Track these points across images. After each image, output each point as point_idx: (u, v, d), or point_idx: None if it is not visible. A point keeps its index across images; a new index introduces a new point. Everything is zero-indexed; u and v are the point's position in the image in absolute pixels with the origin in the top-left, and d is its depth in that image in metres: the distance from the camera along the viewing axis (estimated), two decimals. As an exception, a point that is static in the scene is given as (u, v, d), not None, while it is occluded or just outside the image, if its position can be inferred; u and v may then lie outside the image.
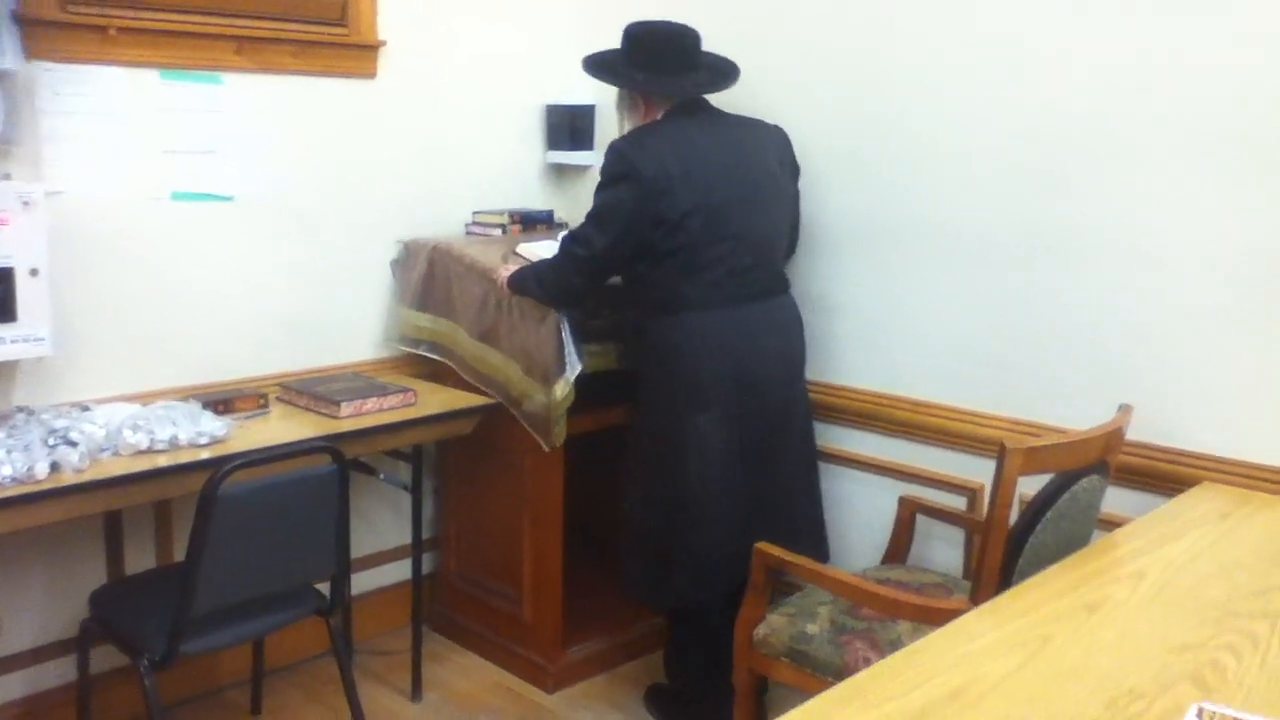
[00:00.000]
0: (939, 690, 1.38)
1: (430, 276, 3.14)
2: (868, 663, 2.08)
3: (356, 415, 2.69)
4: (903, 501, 2.80)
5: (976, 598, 1.95)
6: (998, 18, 2.63)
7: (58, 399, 2.59)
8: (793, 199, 2.89)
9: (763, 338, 2.69)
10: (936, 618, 1.99)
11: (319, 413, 2.72)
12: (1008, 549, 1.99)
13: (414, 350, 3.21)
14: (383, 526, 3.32)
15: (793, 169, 2.89)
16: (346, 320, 3.17)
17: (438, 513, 3.38)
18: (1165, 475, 2.42)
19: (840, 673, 2.16)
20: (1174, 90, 2.36)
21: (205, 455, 2.36)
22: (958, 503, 2.80)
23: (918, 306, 2.86)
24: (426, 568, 3.21)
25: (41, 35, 2.50)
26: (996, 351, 2.71)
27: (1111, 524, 2.21)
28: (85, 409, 2.50)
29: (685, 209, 2.57)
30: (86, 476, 2.21)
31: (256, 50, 2.87)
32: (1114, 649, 1.52)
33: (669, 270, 2.62)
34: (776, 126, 2.86)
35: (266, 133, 2.93)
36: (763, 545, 2.37)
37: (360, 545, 3.20)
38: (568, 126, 3.53)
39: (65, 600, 2.69)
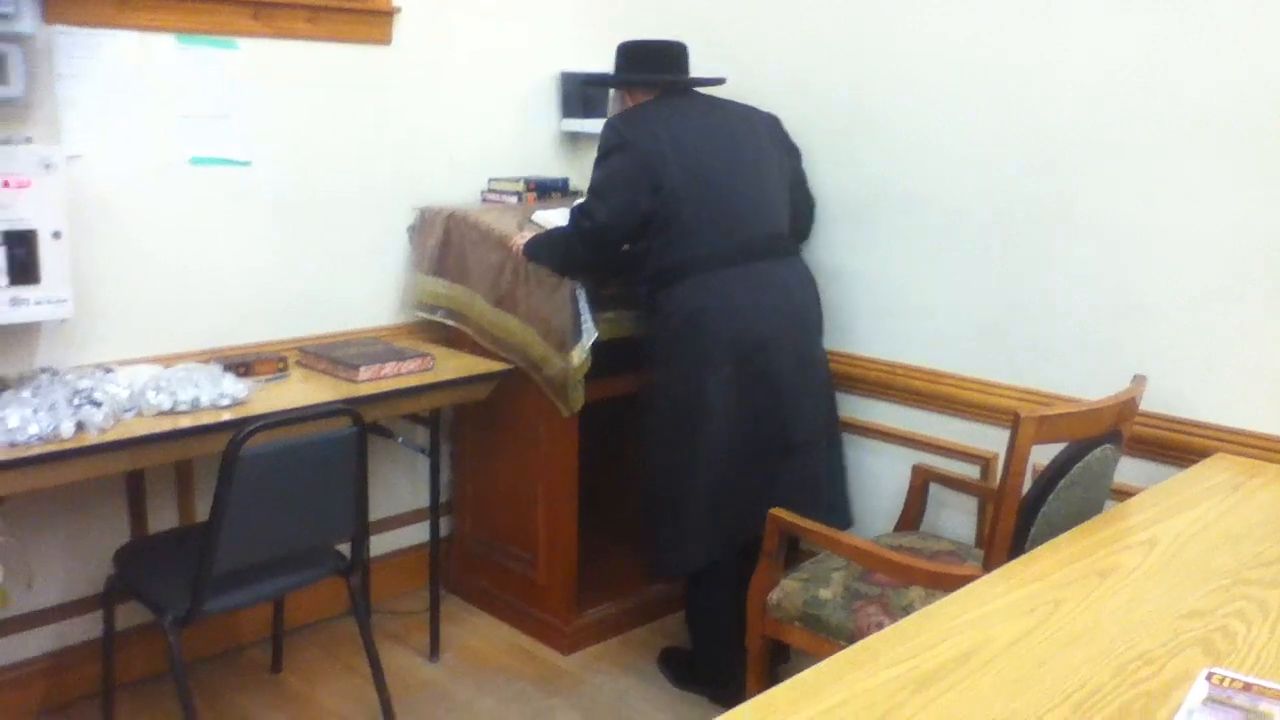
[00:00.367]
0: (950, 653, 1.40)
1: (446, 244, 3.16)
2: (880, 627, 2.11)
3: (375, 379, 2.72)
4: (916, 470, 2.81)
5: (989, 564, 1.97)
6: (1018, -15, 2.62)
7: (80, 360, 2.63)
8: (796, 177, 2.93)
9: (768, 296, 2.72)
10: (949, 584, 2.01)
11: (338, 376, 2.74)
12: (1020, 517, 2.01)
13: (430, 316, 3.23)
14: (399, 490, 3.36)
15: (789, 149, 2.94)
16: (363, 286, 3.20)
17: (453, 477, 3.42)
18: (1177, 446, 2.43)
19: (852, 637, 2.19)
20: (1184, 65, 2.34)
21: (227, 417, 2.39)
22: (970, 471, 2.81)
23: (932, 276, 2.86)
24: (443, 531, 3.24)
25: (59, -1, 2.51)
26: (1010, 322, 2.72)
27: (1124, 494, 2.23)
28: (108, 370, 2.53)
29: (679, 175, 2.64)
30: (111, 436, 2.25)
31: (271, 16, 2.87)
32: (1124, 615, 1.54)
33: (670, 239, 2.68)
34: (768, 113, 2.92)
35: (282, 98, 2.94)
36: (777, 511, 2.39)
37: (377, 508, 3.24)
38: (582, 94, 3.53)
39: (89, 558, 2.74)
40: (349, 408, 2.41)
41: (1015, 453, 1.97)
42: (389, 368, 2.76)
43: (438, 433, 2.97)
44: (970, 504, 2.83)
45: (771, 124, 2.91)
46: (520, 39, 3.44)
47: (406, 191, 3.24)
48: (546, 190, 3.41)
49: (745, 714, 1.24)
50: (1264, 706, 1.25)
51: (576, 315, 2.79)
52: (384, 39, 3.11)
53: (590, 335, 2.79)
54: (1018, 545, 2.00)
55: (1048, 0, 2.55)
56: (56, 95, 2.54)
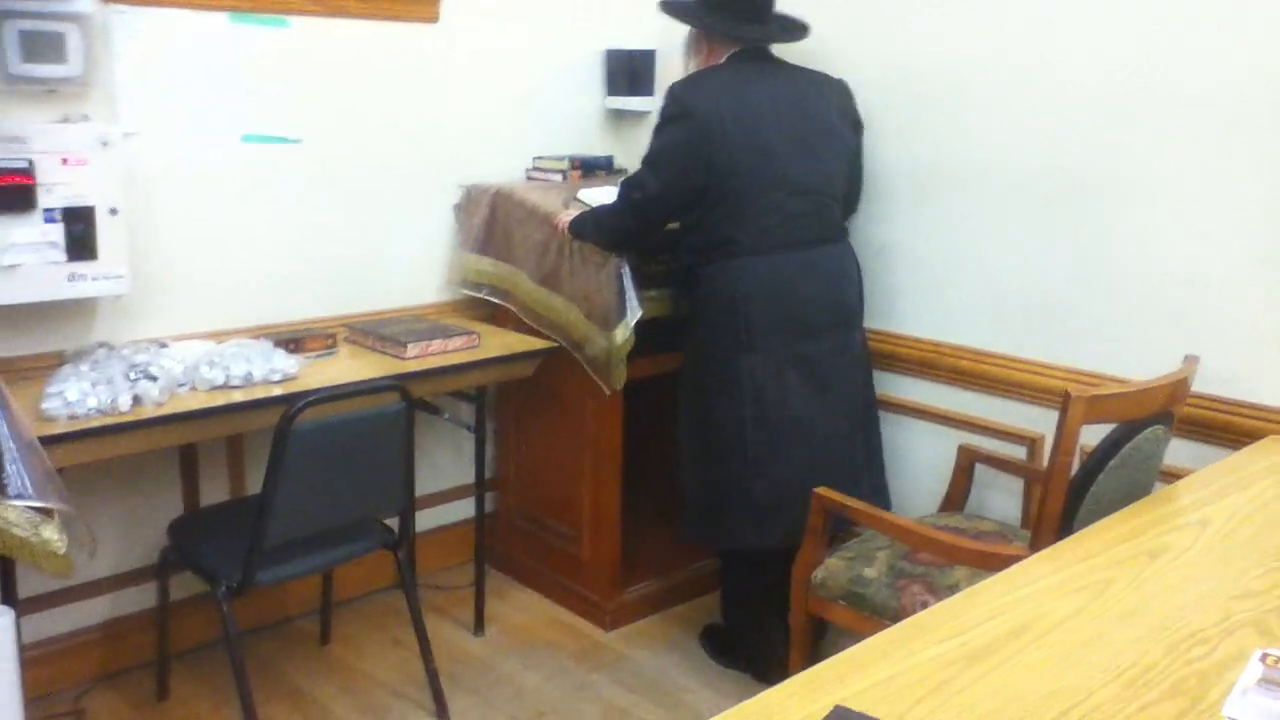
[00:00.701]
0: (1000, 629, 1.40)
1: (492, 221, 3.18)
2: (925, 606, 2.11)
3: (422, 356, 2.75)
4: (961, 450, 2.80)
5: (1036, 545, 1.96)
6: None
7: (135, 336, 2.68)
8: (854, 153, 2.88)
9: (814, 284, 2.70)
10: (995, 563, 2.00)
11: (385, 353, 2.78)
12: (1068, 497, 2.00)
13: (475, 294, 3.25)
14: (444, 466, 3.40)
15: (855, 123, 2.88)
16: (410, 264, 3.22)
17: (497, 453, 3.45)
18: (1229, 428, 2.40)
19: (896, 616, 2.19)
20: (1258, 30, 2.30)
21: (278, 392, 2.43)
22: (1016, 452, 2.80)
23: (978, 255, 2.84)
24: (487, 507, 3.28)
25: (116, -23, 2.55)
26: (1056, 301, 2.69)
27: (1173, 476, 2.21)
28: (162, 346, 2.58)
29: (737, 151, 2.59)
30: (166, 410, 2.29)
31: (323, -7, 2.90)
32: (1175, 594, 1.53)
33: (721, 215, 2.64)
34: (840, 80, 2.85)
35: (332, 76, 2.97)
36: (821, 490, 2.39)
37: (423, 484, 3.28)
38: (627, 72, 3.52)
39: (143, 530, 2.80)
40: (398, 383, 2.44)
41: (1065, 432, 1.96)
42: (435, 345, 2.79)
43: (483, 409, 3.00)
44: (1015, 485, 2.81)
45: (843, 95, 2.83)
46: (565, 16, 3.44)
47: (452, 169, 3.26)
48: (591, 168, 3.41)
49: (795, 686, 1.25)
50: (1319, 687, 1.24)
51: (621, 293, 2.80)
52: (431, 16, 3.13)
53: (635, 313, 2.80)
54: (1065, 526, 1.99)
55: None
56: (114, 74, 2.58)
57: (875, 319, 2.97)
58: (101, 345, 2.56)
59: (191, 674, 2.81)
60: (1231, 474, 2.06)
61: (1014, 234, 2.76)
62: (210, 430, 2.42)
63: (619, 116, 3.64)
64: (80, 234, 2.43)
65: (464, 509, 3.38)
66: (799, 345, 2.66)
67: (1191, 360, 2.25)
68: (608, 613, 3.11)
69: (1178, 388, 2.12)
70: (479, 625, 3.08)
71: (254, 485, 2.79)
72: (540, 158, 3.41)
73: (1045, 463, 2.19)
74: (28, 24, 2.36)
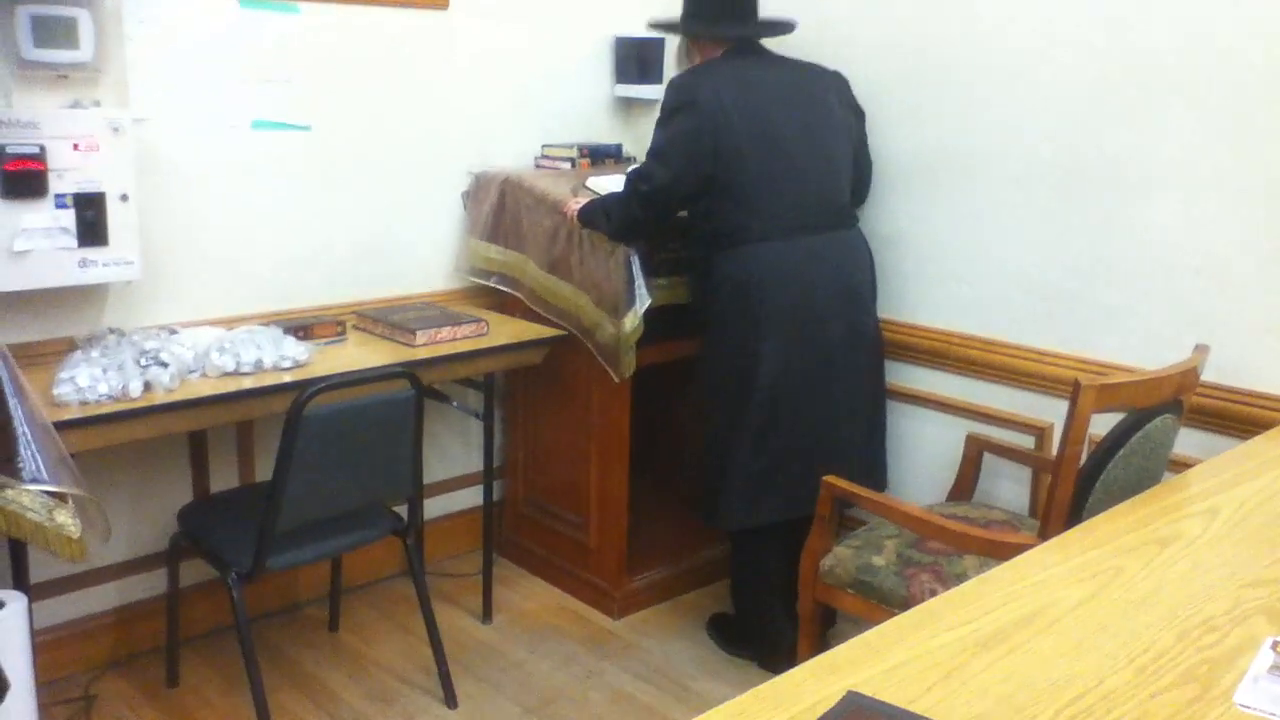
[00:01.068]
0: (1012, 616, 1.40)
1: (501, 209, 3.18)
2: (933, 594, 2.12)
3: (431, 343, 2.75)
4: (969, 439, 2.80)
5: (1045, 533, 1.97)
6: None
7: (145, 322, 2.68)
8: (859, 140, 2.89)
9: (824, 270, 2.70)
10: (1004, 552, 2.01)
11: (395, 340, 2.78)
12: (1078, 486, 2.00)
13: (484, 282, 3.25)
14: (453, 454, 3.41)
15: (855, 111, 2.90)
16: (418, 251, 3.23)
17: (505, 441, 3.45)
18: (1239, 417, 2.40)
19: (905, 604, 2.20)
20: (1251, 20, 2.29)
21: (289, 378, 2.43)
22: (1025, 441, 2.80)
23: (987, 244, 2.84)
24: (495, 495, 3.28)
25: (127, -37, 2.55)
26: (1066, 290, 2.69)
27: (1182, 465, 2.20)
28: (172, 332, 2.59)
29: (743, 138, 2.60)
30: (177, 396, 2.30)
31: (332, -21, 2.90)
32: (1186, 582, 1.53)
33: (731, 203, 2.65)
34: (835, 71, 2.87)
35: (342, 62, 2.96)
36: (830, 477, 2.40)
37: (431, 472, 3.29)
38: (636, 59, 3.52)
39: (153, 516, 2.81)
40: (408, 370, 2.45)
41: (1075, 420, 1.96)
42: (444, 332, 2.79)
43: (491, 397, 3.00)
44: (1023, 475, 2.82)
45: (840, 84, 2.87)
46: (575, 3, 3.44)
47: (461, 156, 3.26)
48: (600, 156, 3.41)
49: (808, 671, 1.25)
50: (1331, 675, 1.24)
51: (630, 281, 2.80)
52: (441, 3, 3.12)
53: (644, 301, 2.80)
54: (1074, 514, 1.99)
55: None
56: (125, 60, 2.58)
57: (885, 308, 2.97)
58: (112, 331, 2.57)
59: (201, 659, 2.82)
60: (1241, 463, 2.06)
61: (1024, 224, 2.76)
62: (220, 416, 2.43)
63: (628, 104, 3.64)
64: (91, 220, 2.44)
65: (472, 497, 3.38)
66: (809, 330, 2.67)
67: (1201, 349, 2.25)
68: (615, 600, 3.12)
69: (1187, 376, 2.12)
70: (487, 612, 3.09)
71: (264, 472, 2.79)
72: (549, 145, 3.41)
73: (1054, 452, 2.19)
74: (39, 9, 2.35)
